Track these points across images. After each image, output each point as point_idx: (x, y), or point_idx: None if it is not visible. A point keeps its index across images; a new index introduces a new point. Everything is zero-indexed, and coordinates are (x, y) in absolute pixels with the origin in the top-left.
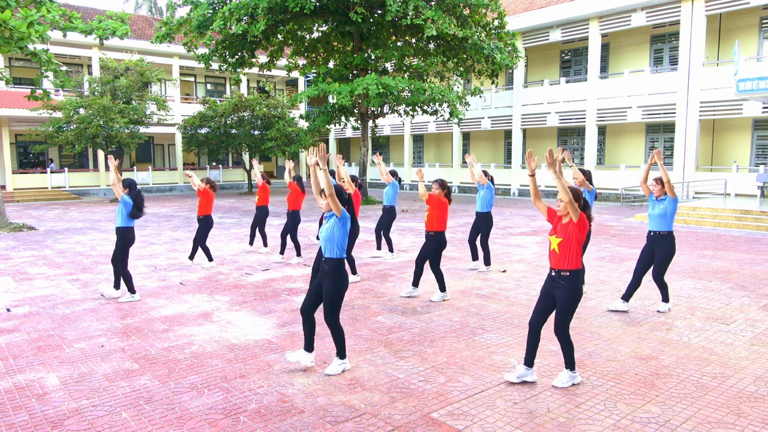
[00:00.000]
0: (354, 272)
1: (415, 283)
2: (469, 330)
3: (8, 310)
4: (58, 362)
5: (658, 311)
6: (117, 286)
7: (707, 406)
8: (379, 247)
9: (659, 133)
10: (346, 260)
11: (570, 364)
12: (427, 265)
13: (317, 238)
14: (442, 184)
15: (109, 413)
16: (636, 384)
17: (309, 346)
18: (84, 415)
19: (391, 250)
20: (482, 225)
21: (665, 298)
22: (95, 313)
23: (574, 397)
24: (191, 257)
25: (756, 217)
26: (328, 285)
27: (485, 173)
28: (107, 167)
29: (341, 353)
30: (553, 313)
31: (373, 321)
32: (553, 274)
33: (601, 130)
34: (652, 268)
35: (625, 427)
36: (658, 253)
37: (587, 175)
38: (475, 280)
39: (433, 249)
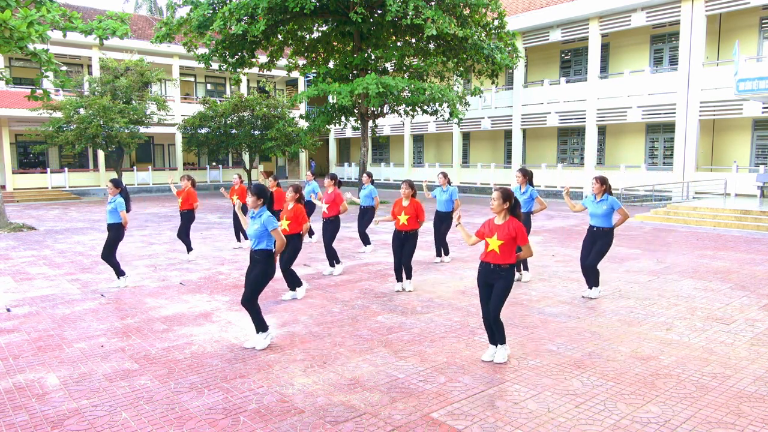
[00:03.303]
0: (338, 261)
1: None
2: (469, 330)
3: (8, 310)
4: (58, 362)
5: (583, 296)
6: (119, 273)
7: (707, 406)
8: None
9: (659, 133)
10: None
11: (502, 339)
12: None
13: (309, 235)
14: (412, 185)
15: (109, 413)
16: (636, 384)
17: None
18: (84, 415)
19: (367, 243)
20: (446, 224)
21: (596, 284)
22: (95, 313)
23: (574, 397)
24: (189, 250)
25: (756, 217)
26: (257, 272)
27: (445, 175)
28: (107, 167)
29: (262, 327)
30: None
31: (373, 321)
32: (492, 267)
33: (601, 130)
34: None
35: (625, 427)
36: (598, 244)
37: (529, 176)
38: (475, 280)
39: (414, 245)
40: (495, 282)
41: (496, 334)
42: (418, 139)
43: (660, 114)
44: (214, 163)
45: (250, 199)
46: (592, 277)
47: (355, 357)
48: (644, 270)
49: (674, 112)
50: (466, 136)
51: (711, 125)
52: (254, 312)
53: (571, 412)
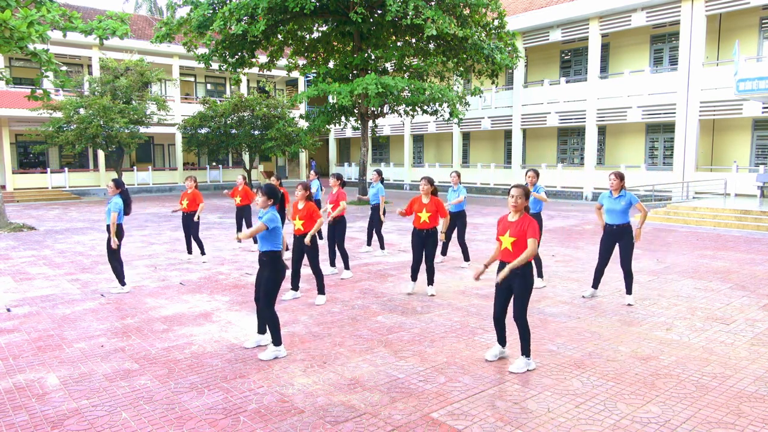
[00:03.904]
0: (347, 266)
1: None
2: (469, 330)
3: (8, 310)
4: (58, 362)
5: (628, 304)
6: (122, 282)
7: (707, 406)
8: (369, 243)
9: (659, 133)
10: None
11: (526, 351)
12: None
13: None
14: (431, 182)
15: (109, 413)
16: (636, 384)
17: (262, 329)
18: (84, 415)
19: (382, 246)
20: (459, 223)
21: (630, 290)
22: (95, 313)
23: (574, 397)
24: (190, 251)
25: (756, 217)
26: (266, 275)
27: (458, 174)
28: (107, 167)
29: (276, 340)
30: (513, 304)
31: (373, 321)
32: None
33: (601, 130)
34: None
35: (625, 427)
36: (622, 245)
37: (539, 176)
38: (474, 280)
39: (436, 244)
40: (512, 282)
41: (521, 341)
42: (418, 139)
43: (660, 114)
44: (214, 163)
45: (259, 199)
46: (628, 283)
47: (355, 357)
48: (644, 270)
49: (674, 112)
50: (466, 136)
51: (711, 125)
52: (271, 321)
53: (571, 412)
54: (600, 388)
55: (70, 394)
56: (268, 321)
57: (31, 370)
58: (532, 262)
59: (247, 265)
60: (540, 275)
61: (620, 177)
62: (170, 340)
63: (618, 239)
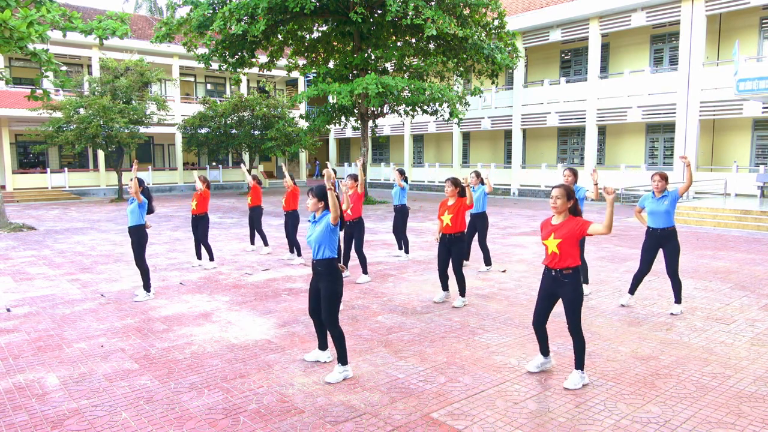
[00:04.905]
0: (365, 272)
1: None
2: (469, 330)
3: (8, 310)
4: (58, 362)
5: (671, 314)
6: (147, 286)
7: (707, 406)
8: (400, 248)
9: (659, 133)
10: (359, 259)
11: (580, 364)
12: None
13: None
14: (456, 182)
15: (109, 413)
16: (636, 384)
17: (323, 345)
18: (84, 415)
19: (406, 250)
20: (479, 225)
21: (679, 298)
22: (95, 313)
23: (574, 397)
24: (199, 257)
25: (756, 217)
26: (325, 286)
27: (477, 175)
28: (107, 167)
29: (342, 359)
30: (562, 312)
31: (373, 321)
32: (554, 273)
33: (601, 130)
34: (665, 265)
35: (625, 427)
36: (668, 249)
37: (576, 175)
38: (475, 280)
39: (461, 249)
40: (559, 290)
41: (575, 353)
42: (418, 139)
43: (660, 114)
44: (214, 163)
45: (310, 202)
46: (676, 290)
47: (355, 357)
48: None
49: (674, 112)
50: (466, 136)
51: (711, 125)
52: (338, 338)
53: (571, 412)
54: (600, 388)
55: (70, 394)
56: (334, 339)
57: (31, 370)
58: (580, 270)
59: (247, 265)
60: (586, 281)
61: (665, 178)
62: (170, 340)
63: (662, 244)
